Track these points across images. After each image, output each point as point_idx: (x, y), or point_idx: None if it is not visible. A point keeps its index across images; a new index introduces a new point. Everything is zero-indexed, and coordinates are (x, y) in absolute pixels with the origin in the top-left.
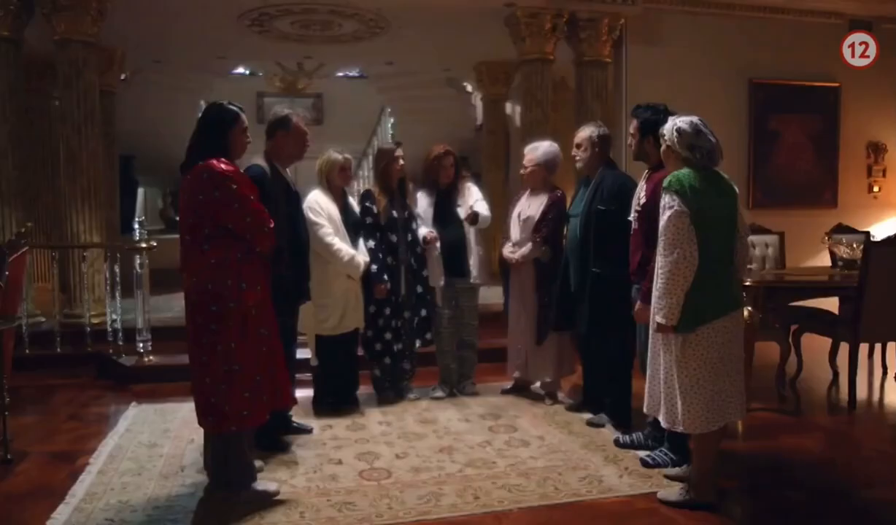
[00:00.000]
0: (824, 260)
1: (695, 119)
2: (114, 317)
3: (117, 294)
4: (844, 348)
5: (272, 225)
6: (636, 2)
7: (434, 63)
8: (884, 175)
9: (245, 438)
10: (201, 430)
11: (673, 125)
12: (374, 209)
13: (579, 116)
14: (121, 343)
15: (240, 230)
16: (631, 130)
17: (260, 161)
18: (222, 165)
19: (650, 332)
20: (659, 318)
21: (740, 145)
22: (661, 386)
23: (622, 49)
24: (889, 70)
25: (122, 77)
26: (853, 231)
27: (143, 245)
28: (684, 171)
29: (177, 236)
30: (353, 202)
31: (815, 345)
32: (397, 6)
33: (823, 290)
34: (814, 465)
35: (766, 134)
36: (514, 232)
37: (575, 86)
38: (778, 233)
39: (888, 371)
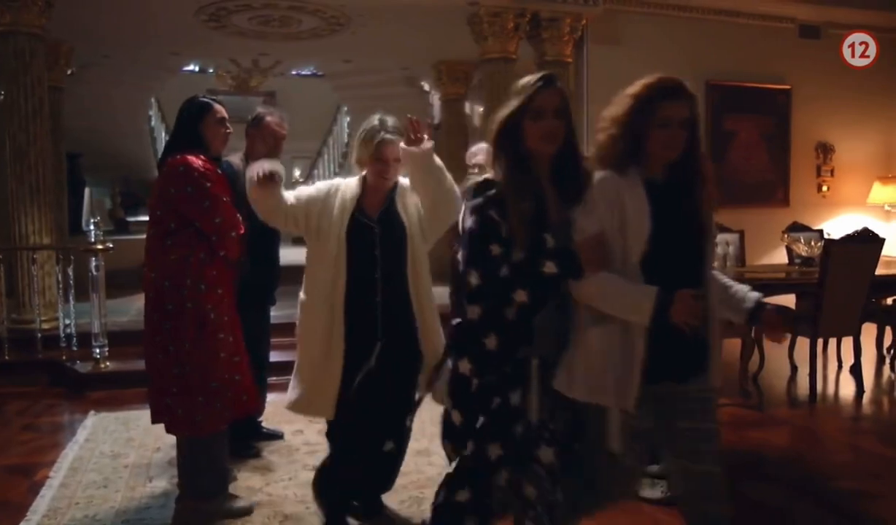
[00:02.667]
0: (779, 257)
1: None
2: (67, 321)
3: (71, 298)
4: (801, 343)
5: (242, 231)
6: (597, 2)
7: (393, 61)
8: (832, 175)
9: (216, 444)
10: (167, 438)
11: None
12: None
13: None
14: (75, 349)
15: (207, 230)
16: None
17: (235, 158)
18: (199, 162)
19: None
20: None
21: None
22: None
23: (583, 49)
24: (836, 73)
25: (69, 72)
26: (808, 229)
27: (100, 247)
28: None
29: (128, 237)
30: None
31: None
32: (360, 3)
33: (786, 288)
34: (783, 459)
35: (722, 134)
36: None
37: None
38: (738, 231)
39: (843, 364)
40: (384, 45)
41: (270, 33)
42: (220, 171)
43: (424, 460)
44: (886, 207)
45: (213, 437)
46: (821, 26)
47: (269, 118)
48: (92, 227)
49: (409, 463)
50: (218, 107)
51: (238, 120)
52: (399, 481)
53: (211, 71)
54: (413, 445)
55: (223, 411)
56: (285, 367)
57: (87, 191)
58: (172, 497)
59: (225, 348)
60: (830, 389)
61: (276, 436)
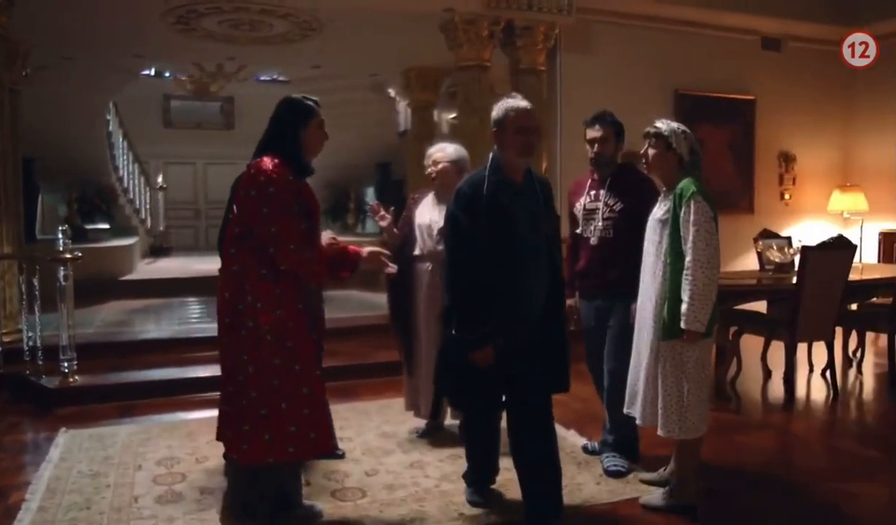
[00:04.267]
0: (745, 264)
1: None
2: (30, 334)
3: (36, 309)
4: (774, 347)
5: (318, 252)
6: (571, 12)
7: (362, 67)
8: (794, 183)
9: (276, 478)
10: (150, 455)
11: (678, 127)
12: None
13: None
14: (41, 362)
15: (262, 239)
16: (598, 136)
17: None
18: (270, 164)
19: (651, 342)
20: (696, 327)
21: None
22: (658, 395)
23: (556, 57)
24: (797, 85)
25: (24, 73)
26: (776, 236)
27: (68, 255)
28: (690, 179)
29: (87, 245)
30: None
31: (745, 345)
32: (333, 8)
33: (758, 294)
34: (766, 463)
35: None
36: (421, 241)
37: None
38: None
39: (814, 368)
40: (355, 50)
41: (240, 37)
42: (298, 179)
43: (419, 473)
44: (845, 215)
45: (272, 471)
46: (782, 39)
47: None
48: (59, 235)
49: (403, 475)
50: (320, 111)
51: (195, 126)
52: (397, 495)
53: (168, 75)
54: (405, 458)
55: (271, 446)
56: None
57: (40, 198)
58: (162, 519)
59: (283, 377)
60: (803, 393)
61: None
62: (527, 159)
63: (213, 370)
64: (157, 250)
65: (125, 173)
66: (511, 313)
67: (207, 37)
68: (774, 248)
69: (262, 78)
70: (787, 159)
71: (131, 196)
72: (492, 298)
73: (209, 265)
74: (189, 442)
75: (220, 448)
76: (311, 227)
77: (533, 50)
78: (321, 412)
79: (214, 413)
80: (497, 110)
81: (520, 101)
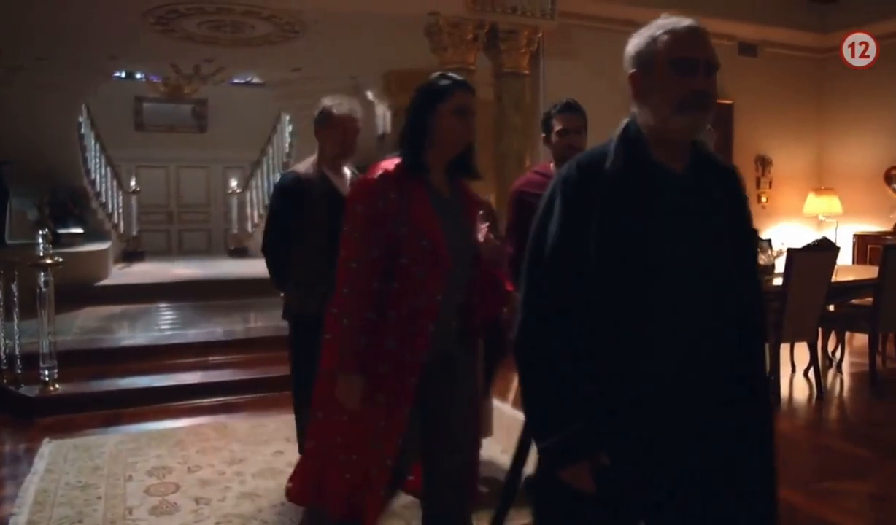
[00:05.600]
0: None
1: None
2: (9, 342)
3: (15, 315)
4: None
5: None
6: (553, 16)
7: (342, 70)
8: (770, 186)
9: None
10: (139, 465)
11: None
12: None
13: (499, 127)
14: (19, 371)
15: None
16: (580, 125)
17: (303, 167)
18: (377, 172)
19: None
20: None
21: None
22: None
23: (539, 61)
24: (774, 89)
25: None
26: (758, 238)
27: (49, 261)
28: None
29: (60, 250)
30: None
31: None
32: (317, 10)
33: None
34: None
35: None
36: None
37: (495, 97)
38: None
39: (796, 368)
40: (335, 53)
41: (220, 39)
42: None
43: None
44: (820, 217)
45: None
46: (758, 45)
47: (336, 111)
48: (40, 239)
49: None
50: (459, 92)
51: (168, 128)
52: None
53: (139, 76)
54: None
55: (322, 492)
56: None
57: (9, 202)
58: None
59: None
60: (786, 392)
61: None
62: (697, 121)
63: (197, 377)
64: (131, 255)
65: (97, 176)
66: (635, 395)
67: (186, 38)
68: (759, 250)
69: (236, 81)
70: (763, 162)
71: (104, 200)
72: (595, 368)
73: (185, 270)
74: (179, 451)
75: (210, 456)
76: (400, 264)
77: (516, 54)
78: (363, 483)
79: (202, 420)
80: (639, 37)
81: (680, 20)
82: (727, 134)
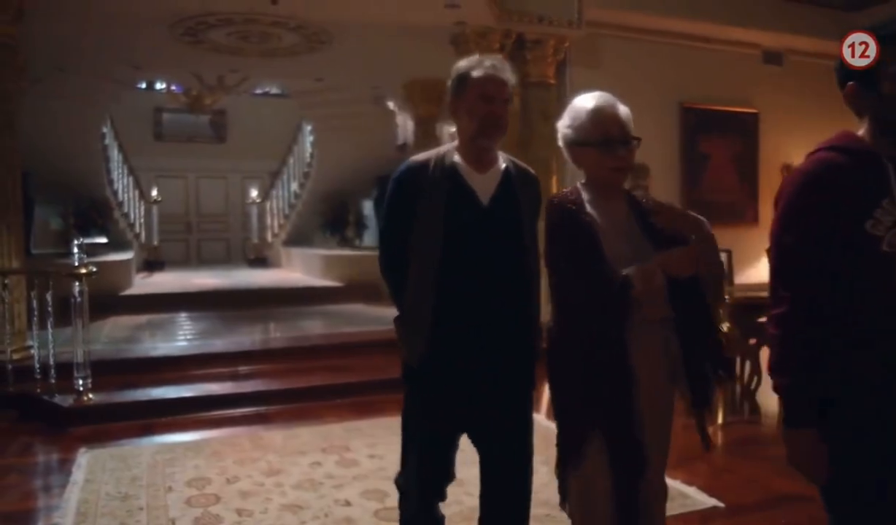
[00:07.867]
0: (755, 276)
1: None
2: (42, 351)
3: (49, 325)
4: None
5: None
6: (580, 25)
7: (364, 80)
8: None
9: None
10: (178, 476)
11: None
12: None
13: (524, 136)
14: (53, 380)
15: None
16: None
17: (423, 156)
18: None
19: None
20: None
21: (673, 165)
22: None
23: (565, 70)
24: (799, 98)
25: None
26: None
27: (83, 270)
28: None
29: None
30: None
31: (764, 356)
32: (344, 21)
33: None
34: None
35: (695, 155)
36: None
37: (520, 106)
38: (725, 250)
39: None
40: (358, 63)
41: (247, 49)
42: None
43: (461, 490)
44: None
45: None
46: (783, 53)
47: (475, 73)
48: (75, 249)
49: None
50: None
51: (187, 139)
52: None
53: (160, 87)
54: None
55: None
56: None
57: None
58: None
59: None
60: None
61: None
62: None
63: (228, 387)
64: (151, 264)
65: (120, 186)
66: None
67: (213, 49)
68: None
69: (256, 91)
70: (790, 171)
71: (125, 209)
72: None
73: (206, 280)
74: (216, 461)
75: (248, 467)
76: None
77: (543, 63)
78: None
79: (236, 431)
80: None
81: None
82: (752, 143)
